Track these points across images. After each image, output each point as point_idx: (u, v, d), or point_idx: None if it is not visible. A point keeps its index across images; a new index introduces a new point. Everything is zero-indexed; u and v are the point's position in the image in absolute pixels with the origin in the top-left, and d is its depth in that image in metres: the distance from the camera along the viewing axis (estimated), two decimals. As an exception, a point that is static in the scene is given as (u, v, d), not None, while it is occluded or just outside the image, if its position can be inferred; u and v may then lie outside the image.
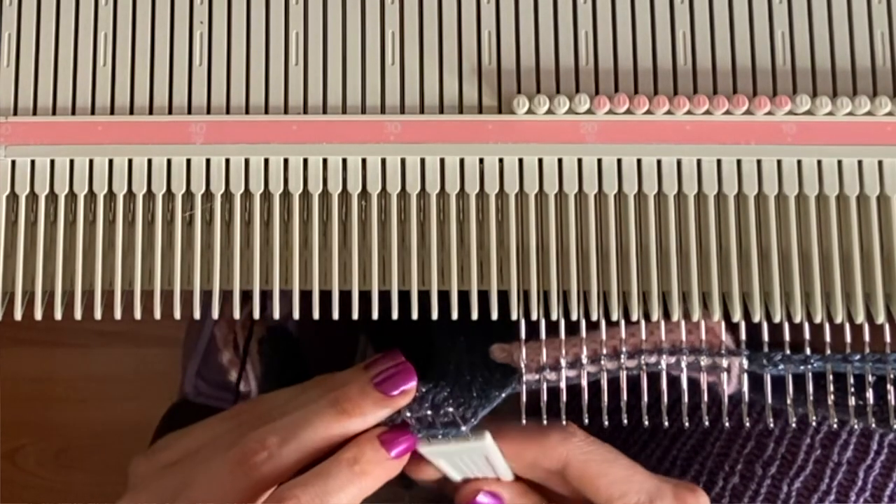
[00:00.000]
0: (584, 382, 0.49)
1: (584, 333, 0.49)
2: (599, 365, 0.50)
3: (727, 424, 0.50)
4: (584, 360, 0.49)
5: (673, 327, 0.49)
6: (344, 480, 0.48)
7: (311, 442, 0.49)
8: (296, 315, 0.48)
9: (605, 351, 0.49)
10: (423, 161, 0.48)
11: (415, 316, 0.48)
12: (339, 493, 0.48)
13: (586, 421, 0.50)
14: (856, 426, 0.50)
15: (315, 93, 0.49)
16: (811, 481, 0.56)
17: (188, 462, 0.50)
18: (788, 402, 0.50)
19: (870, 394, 0.49)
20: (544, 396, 0.49)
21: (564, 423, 0.50)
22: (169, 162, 0.48)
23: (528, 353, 0.49)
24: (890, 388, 0.49)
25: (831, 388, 0.49)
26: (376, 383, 0.49)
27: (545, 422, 0.49)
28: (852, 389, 0.49)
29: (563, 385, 0.50)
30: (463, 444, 0.49)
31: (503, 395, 0.50)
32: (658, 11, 0.49)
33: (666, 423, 0.49)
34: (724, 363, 0.50)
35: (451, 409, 0.49)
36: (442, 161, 0.48)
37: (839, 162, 0.48)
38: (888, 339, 0.49)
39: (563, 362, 0.49)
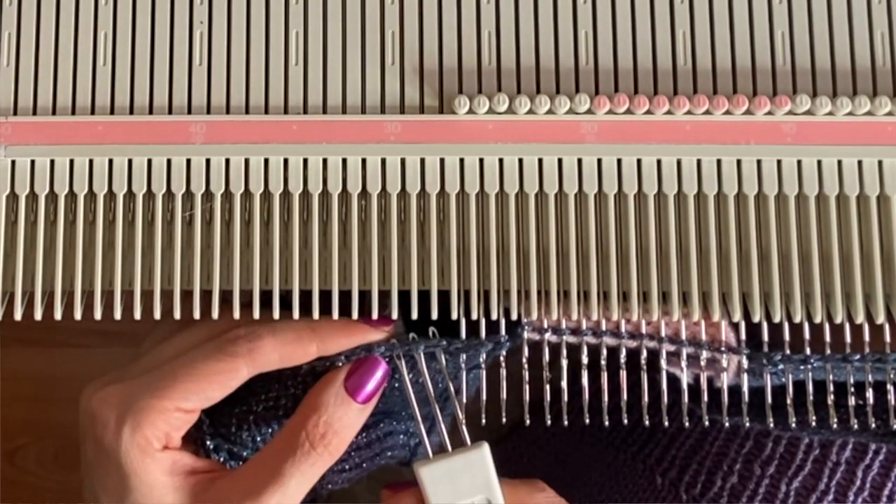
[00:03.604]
0: (585, 381, 0.49)
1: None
2: (600, 338, 0.50)
3: (726, 424, 0.50)
4: (584, 327, 0.50)
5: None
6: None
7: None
8: (296, 315, 0.48)
9: (605, 327, 0.50)
10: (423, 161, 0.48)
11: (414, 316, 0.48)
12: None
13: (587, 421, 0.50)
14: (855, 426, 0.50)
15: (315, 93, 0.49)
16: (809, 481, 0.56)
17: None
18: (788, 402, 0.50)
19: (869, 394, 0.49)
20: (548, 397, 0.49)
21: (567, 423, 0.50)
22: (169, 162, 0.48)
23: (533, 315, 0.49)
24: (890, 388, 0.49)
25: (831, 388, 0.49)
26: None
27: (548, 421, 0.49)
28: (852, 390, 0.50)
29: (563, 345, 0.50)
30: (462, 458, 0.49)
31: (504, 345, 0.50)
32: (658, 11, 0.49)
33: (666, 423, 0.49)
34: (724, 361, 0.50)
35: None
36: (442, 161, 0.48)
37: (839, 162, 0.48)
38: (888, 339, 0.49)
39: (564, 325, 0.50)
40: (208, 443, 0.52)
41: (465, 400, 0.50)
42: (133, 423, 0.48)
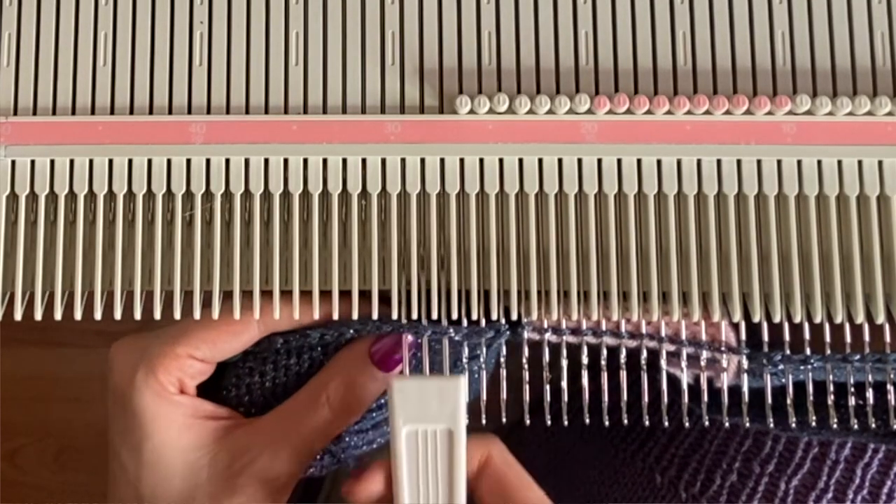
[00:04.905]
0: (585, 381, 0.49)
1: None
2: (600, 338, 0.50)
3: (726, 424, 0.50)
4: (584, 327, 0.50)
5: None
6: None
7: None
8: (296, 315, 0.48)
9: (605, 327, 0.50)
10: (423, 161, 0.48)
11: (415, 316, 0.48)
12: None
13: (587, 420, 0.50)
14: (855, 427, 0.50)
15: (315, 93, 0.49)
16: (809, 479, 0.56)
17: None
18: (788, 401, 0.50)
19: (869, 394, 0.50)
20: (548, 397, 0.49)
21: (567, 423, 0.50)
22: (169, 162, 0.48)
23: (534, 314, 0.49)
24: (890, 388, 0.49)
25: (831, 388, 0.49)
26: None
27: (548, 421, 0.49)
28: (852, 390, 0.50)
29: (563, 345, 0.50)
30: (436, 382, 0.49)
31: (504, 334, 0.50)
32: (658, 11, 0.49)
33: (665, 423, 0.49)
34: (724, 361, 0.50)
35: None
36: (442, 161, 0.48)
37: (839, 162, 0.48)
38: (888, 339, 0.49)
39: (564, 325, 0.50)
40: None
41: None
42: (146, 369, 0.49)
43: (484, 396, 0.51)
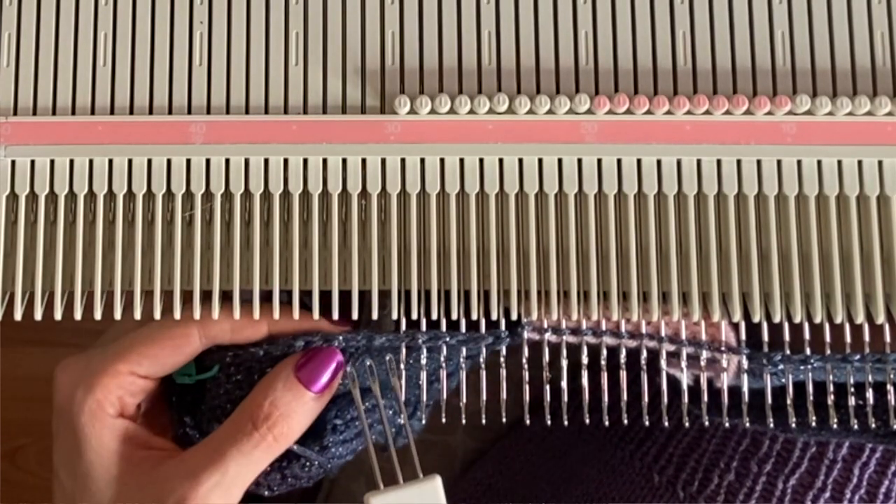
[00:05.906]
0: (585, 381, 0.49)
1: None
2: (600, 338, 0.50)
3: (726, 424, 0.50)
4: (584, 327, 0.50)
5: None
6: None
7: None
8: (295, 315, 0.48)
9: (605, 327, 0.50)
10: (423, 161, 0.48)
11: (415, 316, 0.48)
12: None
13: (586, 420, 0.50)
14: (855, 427, 0.50)
15: (315, 93, 0.49)
16: (806, 478, 0.56)
17: None
18: (788, 401, 0.50)
19: (869, 394, 0.50)
20: (548, 396, 0.49)
21: (566, 422, 0.50)
22: (169, 162, 0.48)
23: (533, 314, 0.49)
24: (890, 388, 0.49)
25: (831, 388, 0.49)
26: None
27: (548, 420, 0.49)
28: (852, 390, 0.50)
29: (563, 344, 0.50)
30: (415, 489, 0.48)
31: (504, 340, 0.50)
32: (658, 11, 0.49)
33: (665, 423, 0.49)
34: (724, 361, 0.50)
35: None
36: (442, 161, 0.48)
37: (839, 162, 0.48)
38: (888, 339, 0.49)
39: (564, 325, 0.50)
40: (190, 433, 0.52)
41: (464, 396, 0.50)
42: (85, 386, 0.48)
43: (484, 396, 0.51)
